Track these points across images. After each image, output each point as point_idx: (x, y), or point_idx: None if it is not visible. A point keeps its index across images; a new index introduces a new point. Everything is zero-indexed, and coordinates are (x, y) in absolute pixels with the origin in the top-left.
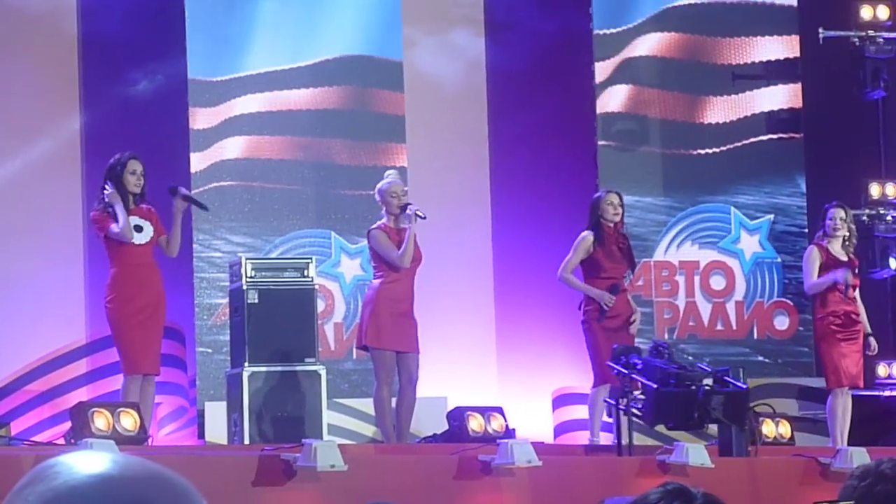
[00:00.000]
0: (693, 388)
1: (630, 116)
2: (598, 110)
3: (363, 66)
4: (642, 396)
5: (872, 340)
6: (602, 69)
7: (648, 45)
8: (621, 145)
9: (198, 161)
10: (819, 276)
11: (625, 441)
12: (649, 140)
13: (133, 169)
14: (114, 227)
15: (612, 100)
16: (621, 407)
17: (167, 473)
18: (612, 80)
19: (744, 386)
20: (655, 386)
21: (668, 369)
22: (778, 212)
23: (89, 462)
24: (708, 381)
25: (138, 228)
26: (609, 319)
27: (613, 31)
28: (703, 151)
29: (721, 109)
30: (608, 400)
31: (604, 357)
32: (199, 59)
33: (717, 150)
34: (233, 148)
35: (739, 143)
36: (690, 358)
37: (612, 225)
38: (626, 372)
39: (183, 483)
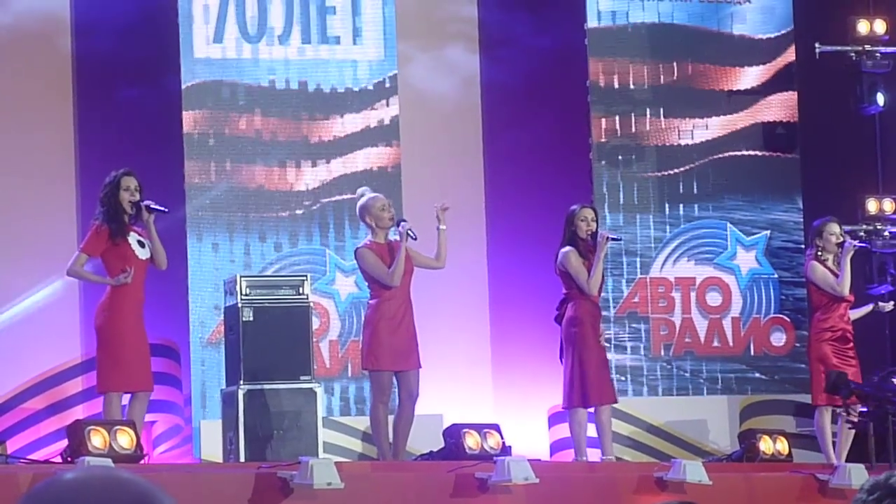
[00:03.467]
0: None
1: (625, 135)
2: (594, 129)
3: (360, 81)
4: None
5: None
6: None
7: (644, 69)
8: (616, 161)
9: (193, 173)
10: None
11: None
12: (644, 157)
13: (126, 185)
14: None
15: (607, 123)
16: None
17: (131, 477)
18: (607, 103)
19: None
20: None
21: None
22: (774, 227)
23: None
24: None
25: (140, 244)
26: (594, 338)
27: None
28: (697, 164)
29: (717, 125)
30: (846, 418)
31: (593, 376)
32: (194, 74)
33: (708, 160)
34: (229, 160)
35: (736, 153)
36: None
37: (584, 240)
38: (883, 396)
39: (148, 486)
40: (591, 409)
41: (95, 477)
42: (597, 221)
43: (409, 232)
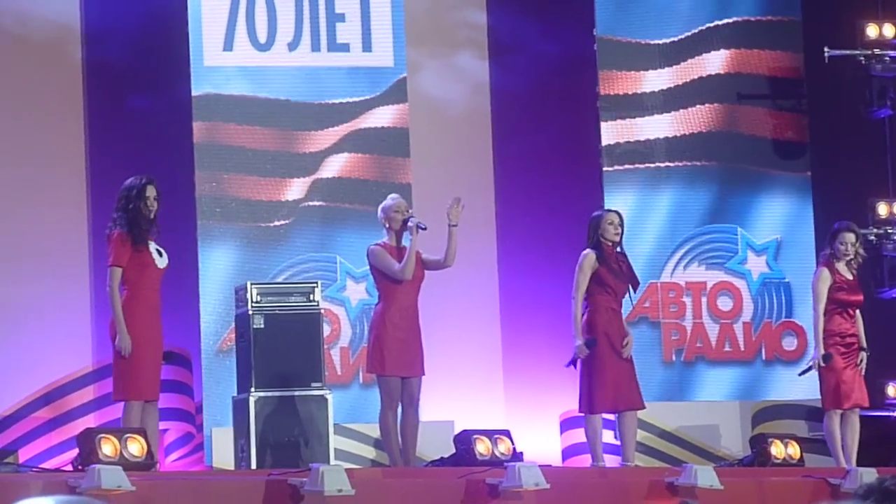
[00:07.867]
0: None
1: (635, 139)
2: (604, 133)
3: (368, 85)
4: None
5: (864, 355)
6: (606, 99)
7: (657, 75)
8: (626, 166)
9: (203, 182)
10: (828, 296)
11: None
12: (654, 160)
13: (149, 194)
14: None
15: (618, 127)
16: None
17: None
18: (617, 110)
19: None
20: None
21: None
22: (785, 231)
23: None
24: None
25: (159, 253)
26: (607, 345)
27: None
28: (704, 163)
29: (725, 124)
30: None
31: (606, 382)
32: (211, 80)
33: (719, 163)
34: (239, 171)
35: (745, 161)
36: None
37: (611, 244)
38: None
39: None
40: (612, 416)
41: None
42: (622, 226)
43: (419, 224)
